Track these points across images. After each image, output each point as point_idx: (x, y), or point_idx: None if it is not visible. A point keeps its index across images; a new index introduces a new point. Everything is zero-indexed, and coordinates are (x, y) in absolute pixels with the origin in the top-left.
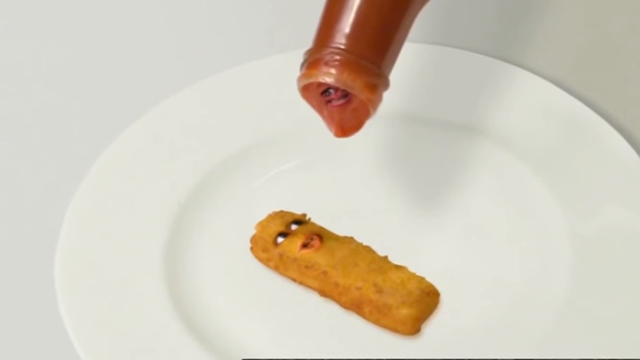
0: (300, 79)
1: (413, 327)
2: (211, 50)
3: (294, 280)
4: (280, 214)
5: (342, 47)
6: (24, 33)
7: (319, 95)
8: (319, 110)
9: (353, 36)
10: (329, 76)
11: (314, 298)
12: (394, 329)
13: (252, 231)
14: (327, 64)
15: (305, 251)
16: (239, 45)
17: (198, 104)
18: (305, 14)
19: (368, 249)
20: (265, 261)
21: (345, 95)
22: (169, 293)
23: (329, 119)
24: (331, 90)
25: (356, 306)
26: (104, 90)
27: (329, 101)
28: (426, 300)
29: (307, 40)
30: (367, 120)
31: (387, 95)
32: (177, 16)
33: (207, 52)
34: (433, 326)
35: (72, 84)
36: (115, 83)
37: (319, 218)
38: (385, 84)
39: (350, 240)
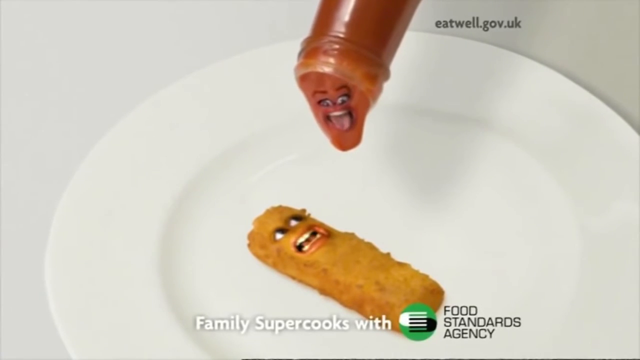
0: (297, 68)
1: None
2: (208, 39)
3: (293, 278)
4: (279, 210)
5: (342, 35)
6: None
7: (317, 104)
8: (315, 109)
9: (353, 24)
10: (327, 66)
11: (313, 296)
12: (397, 329)
13: (250, 227)
14: (325, 53)
15: (308, 248)
16: (236, 35)
17: (194, 95)
18: (304, 2)
19: (370, 246)
20: (264, 258)
21: (349, 113)
22: (165, 291)
23: (325, 127)
24: (328, 101)
25: (357, 305)
26: (98, 81)
27: (328, 117)
28: (430, 298)
29: (307, 29)
30: (367, 114)
31: (387, 86)
32: (175, 5)
33: (203, 41)
34: (437, 325)
35: (66, 75)
36: (109, 74)
37: (319, 213)
38: (386, 74)
39: (351, 236)
